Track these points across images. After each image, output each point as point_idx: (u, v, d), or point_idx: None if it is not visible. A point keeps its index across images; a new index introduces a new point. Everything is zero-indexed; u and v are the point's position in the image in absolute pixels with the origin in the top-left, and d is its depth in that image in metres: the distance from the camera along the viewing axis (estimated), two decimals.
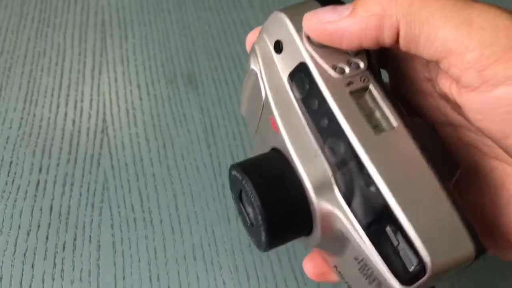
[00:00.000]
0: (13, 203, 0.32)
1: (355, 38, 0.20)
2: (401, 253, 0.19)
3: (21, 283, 0.29)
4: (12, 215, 0.32)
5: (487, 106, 0.19)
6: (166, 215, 0.33)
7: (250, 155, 0.23)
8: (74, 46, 0.45)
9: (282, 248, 0.32)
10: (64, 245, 0.31)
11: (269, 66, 0.22)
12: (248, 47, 0.25)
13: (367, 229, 0.19)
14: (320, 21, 0.20)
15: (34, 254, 0.30)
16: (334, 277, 0.24)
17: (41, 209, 0.32)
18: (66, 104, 0.39)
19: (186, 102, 0.41)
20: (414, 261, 0.18)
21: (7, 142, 0.36)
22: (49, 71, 0.42)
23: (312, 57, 0.21)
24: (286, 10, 0.22)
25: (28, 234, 0.31)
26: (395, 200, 0.19)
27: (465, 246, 0.18)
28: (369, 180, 0.19)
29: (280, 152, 0.21)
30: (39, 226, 0.31)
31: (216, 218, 0.33)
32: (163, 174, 0.35)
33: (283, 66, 0.22)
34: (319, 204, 0.20)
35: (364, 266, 0.20)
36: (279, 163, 0.21)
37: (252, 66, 0.23)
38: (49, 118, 0.38)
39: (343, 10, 0.20)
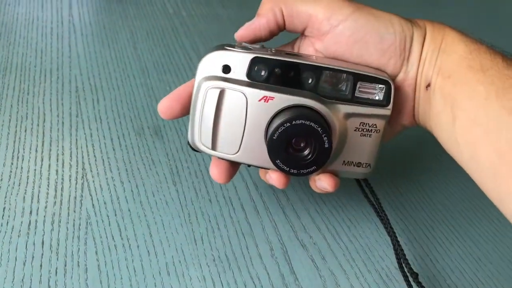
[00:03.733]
0: (9, 240, 0.38)
1: (266, 27, 0.37)
2: (372, 94, 0.36)
3: None
4: (9, 250, 0.37)
5: (336, 39, 0.36)
6: (142, 241, 0.39)
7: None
8: (53, 110, 0.51)
9: (240, 259, 0.38)
10: (56, 270, 0.36)
11: (229, 82, 0.35)
12: (162, 112, 0.37)
13: (355, 98, 0.36)
14: (246, 27, 0.38)
15: (31, 279, 0.35)
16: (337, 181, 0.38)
17: (34, 243, 0.38)
18: (49, 158, 0.46)
19: (154, 150, 0.48)
20: (381, 87, 0.35)
21: None
22: (31, 131, 0.48)
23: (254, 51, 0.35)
24: (214, 50, 0.35)
25: (24, 264, 0.36)
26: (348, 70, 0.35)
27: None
28: (340, 76, 0.35)
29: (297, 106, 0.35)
30: (33, 257, 0.37)
31: (184, 240, 0.39)
32: (137, 209, 0.42)
33: (240, 73, 0.35)
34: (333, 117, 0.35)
35: (363, 127, 0.36)
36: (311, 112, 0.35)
37: (213, 92, 0.35)
38: (35, 170, 0.44)
39: (252, 20, 0.38)
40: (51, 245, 0.38)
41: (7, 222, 0.39)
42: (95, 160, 0.46)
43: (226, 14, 0.75)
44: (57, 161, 0.45)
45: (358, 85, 0.35)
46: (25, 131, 0.48)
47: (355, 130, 0.36)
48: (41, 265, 0.36)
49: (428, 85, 0.36)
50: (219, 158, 0.36)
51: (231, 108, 0.35)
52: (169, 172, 0.46)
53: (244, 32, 0.38)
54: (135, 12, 0.73)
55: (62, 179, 0.44)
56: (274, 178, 0.37)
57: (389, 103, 0.36)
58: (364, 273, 0.39)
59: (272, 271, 0.38)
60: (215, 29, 0.71)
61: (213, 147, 0.36)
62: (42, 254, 0.37)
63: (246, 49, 0.35)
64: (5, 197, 0.41)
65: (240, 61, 0.35)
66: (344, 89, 0.35)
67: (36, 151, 0.46)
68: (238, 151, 0.35)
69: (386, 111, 0.36)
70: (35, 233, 0.39)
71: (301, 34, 0.39)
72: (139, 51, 0.63)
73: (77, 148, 0.47)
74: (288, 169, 0.34)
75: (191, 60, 0.62)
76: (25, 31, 0.65)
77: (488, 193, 0.33)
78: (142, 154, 0.47)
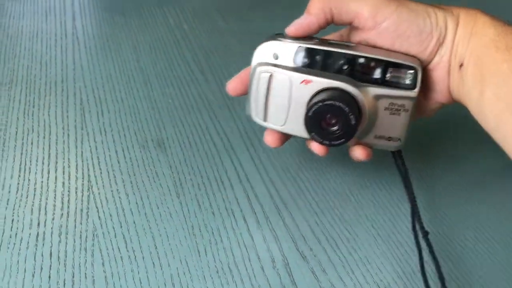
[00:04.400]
0: (17, 251, 0.39)
1: (316, 24, 0.41)
2: (401, 79, 0.41)
3: None
4: (18, 261, 0.38)
5: (380, 33, 0.41)
6: (147, 253, 0.40)
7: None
8: (58, 122, 0.53)
9: (243, 271, 0.40)
10: (64, 281, 0.37)
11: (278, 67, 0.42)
12: (230, 90, 0.45)
13: (386, 81, 0.41)
14: (297, 24, 0.42)
15: None
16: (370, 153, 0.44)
17: (42, 255, 0.39)
18: (56, 170, 0.47)
19: (157, 162, 0.49)
20: (410, 72, 0.41)
21: (7, 204, 0.43)
22: (38, 144, 0.49)
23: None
24: (268, 39, 0.42)
25: (33, 275, 0.37)
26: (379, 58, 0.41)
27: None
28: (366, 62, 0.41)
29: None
30: (41, 268, 0.38)
31: (188, 252, 0.41)
32: (142, 221, 0.43)
33: (287, 60, 0.42)
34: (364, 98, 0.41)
35: (392, 106, 0.41)
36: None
37: (264, 75, 0.42)
38: (41, 182, 0.45)
39: (302, 17, 0.42)
40: (59, 256, 0.39)
41: (16, 234, 0.40)
42: (100, 172, 0.47)
43: (227, 27, 0.77)
44: (63, 174, 0.46)
45: (389, 71, 0.41)
46: (32, 143, 0.49)
47: (385, 109, 0.42)
48: (49, 277, 0.37)
49: (461, 65, 0.40)
50: (269, 128, 0.44)
51: (278, 89, 0.42)
52: (173, 185, 0.47)
53: (295, 29, 0.42)
54: (137, 24, 0.75)
55: (69, 191, 0.45)
56: (315, 147, 0.43)
57: (416, 86, 0.41)
58: (363, 285, 0.40)
59: (274, 282, 0.39)
60: (216, 42, 0.72)
61: (265, 120, 0.43)
62: (50, 266, 0.38)
63: (293, 39, 0.42)
64: (13, 209, 0.42)
65: (287, 50, 0.42)
66: (376, 74, 0.41)
67: (43, 163, 0.47)
68: (284, 123, 0.43)
69: (413, 93, 0.41)
70: (43, 244, 0.40)
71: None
72: (142, 63, 0.65)
73: (82, 161, 0.48)
74: (321, 140, 0.40)
75: (193, 73, 0.64)
76: (29, 43, 0.66)
77: None
78: (146, 166, 0.48)
